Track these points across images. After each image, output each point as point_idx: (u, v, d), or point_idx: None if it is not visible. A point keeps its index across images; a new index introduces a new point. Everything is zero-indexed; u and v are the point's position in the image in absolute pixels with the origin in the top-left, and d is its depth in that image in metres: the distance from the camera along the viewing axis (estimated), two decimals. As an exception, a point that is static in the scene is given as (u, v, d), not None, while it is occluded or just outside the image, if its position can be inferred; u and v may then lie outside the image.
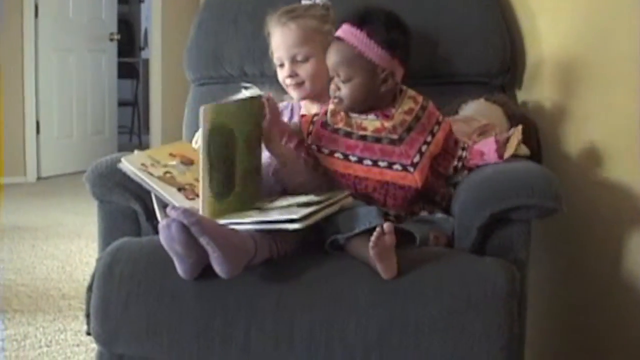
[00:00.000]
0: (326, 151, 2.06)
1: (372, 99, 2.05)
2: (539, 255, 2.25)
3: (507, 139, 2.04)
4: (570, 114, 2.29)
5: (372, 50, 2.01)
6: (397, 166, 2.03)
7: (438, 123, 2.10)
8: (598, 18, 2.13)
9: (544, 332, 2.41)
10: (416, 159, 2.03)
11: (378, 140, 2.04)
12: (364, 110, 2.07)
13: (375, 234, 1.72)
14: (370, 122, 2.06)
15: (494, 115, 2.34)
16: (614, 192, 2.01)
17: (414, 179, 2.03)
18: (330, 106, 2.10)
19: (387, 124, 2.04)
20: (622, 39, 1.97)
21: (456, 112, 2.37)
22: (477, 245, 1.91)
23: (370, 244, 1.72)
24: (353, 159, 2.04)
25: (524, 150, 2.17)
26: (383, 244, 1.72)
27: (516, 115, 2.37)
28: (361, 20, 2.02)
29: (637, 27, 1.88)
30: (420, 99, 2.11)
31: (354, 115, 2.07)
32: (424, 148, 2.05)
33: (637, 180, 1.91)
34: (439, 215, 2.04)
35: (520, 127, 2.08)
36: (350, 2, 2.26)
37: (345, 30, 2.04)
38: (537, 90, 2.56)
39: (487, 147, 2.07)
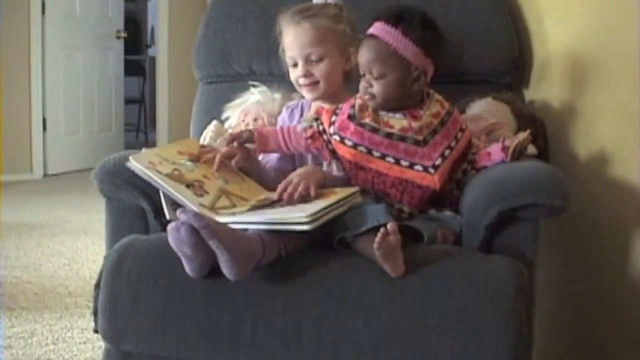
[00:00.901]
0: (349, 143, 2.05)
1: (403, 97, 2.05)
2: (547, 253, 2.25)
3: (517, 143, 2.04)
4: (577, 112, 2.29)
5: (407, 48, 2.00)
6: (418, 167, 2.03)
7: (462, 130, 2.10)
8: (605, 16, 2.12)
9: (552, 330, 2.41)
10: (438, 162, 2.03)
11: (403, 139, 2.03)
12: (394, 108, 2.06)
13: (379, 234, 1.72)
14: (398, 121, 2.05)
15: (502, 114, 2.34)
16: (621, 191, 2.01)
17: (434, 180, 2.02)
18: (358, 101, 2.09)
19: (414, 124, 2.04)
20: (630, 37, 1.96)
21: (464, 111, 2.36)
22: (485, 243, 1.91)
23: (375, 245, 1.72)
24: (376, 154, 2.04)
25: (532, 149, 2.16)
26: (388, 244, 1.73)
27: (524, 114, 2.37)
28: (396, 19, 2.01)
29: (645, 25, 1.88)
30: (446, 104, 2.11)
31: (381, 112, 2.07)
32: (447, 152, 2.04)
33: (645, 179, 1.91)
34: (447, 212, 2.04)
35: (528, 132, 2.08)
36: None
37: (379, 28, 2.02)
38: (545, 89, 2.56)
39: (493, 147, 2.07)
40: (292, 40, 2.25)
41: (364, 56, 2.04)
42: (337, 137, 2.07)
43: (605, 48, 2.14)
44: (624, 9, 2.02)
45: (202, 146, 2.18)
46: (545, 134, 2.39)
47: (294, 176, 1.97)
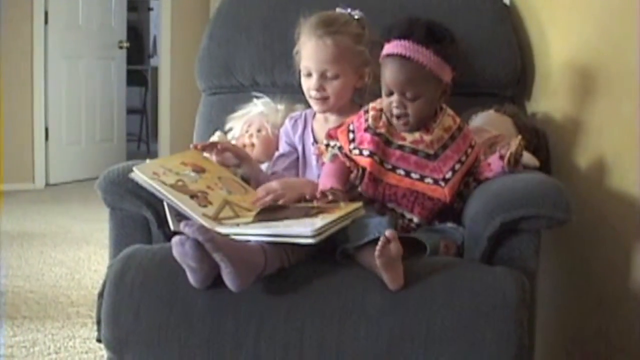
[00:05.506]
0: (366, 152, 2.05)
1: (432, 113, 2.06)
2: (548, 265, 2.25)
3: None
4: (579, 125, 2.29)
5: (441, 68, 2.00)
6: (428, 179, 2.04)
7: (471, 146, 2.11)
8: (608, 30, 2.13)
9: (553, 341, 2.41)
10: (448, 175, 2.04)
11: (414, 152, 2.04)
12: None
13: (380, 242, 1.72)
14: (410, 133, 2.06)
15: (504, 126, 2.34)
16: (623, 203, 2.02)
17: (444, 193, 2.03)
18: (371, 112, 2.09)
19: (426, 138, 2.04)
20: (632, 50, 1.97)
21: (466, 124, 2.37)
22: (487, 255, 1.91)
23: (376, 253, 1.72)
24: (387, 166, 2.05)
25: (534, 161, 2.17)
26: (388, 253, 1.73)
27: (526, 126, 2.38)
28: (427, 38, 1.98)
29: (647, 39, 1.89)
30: (458, 119, 2.11)
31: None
32: (457, 166, 2.05)
33: (646, 191, 1.92)
34: (449, 224, 2.04)
35: (519, 138, 2.07)
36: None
37: (410, 49, 1.99)
38: (547, 102, 2.56)
39: (492, 158, 2.07)
40: (312, 52, 2.23)
41: (396, 78, 2.01)
42: (356, 152, 2.07)
43: (607, 61, 2.14)
44: (625, 21, 2.02)
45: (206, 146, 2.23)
46: (547, 146, 2.39)
47: (278, 184, 2.09)
